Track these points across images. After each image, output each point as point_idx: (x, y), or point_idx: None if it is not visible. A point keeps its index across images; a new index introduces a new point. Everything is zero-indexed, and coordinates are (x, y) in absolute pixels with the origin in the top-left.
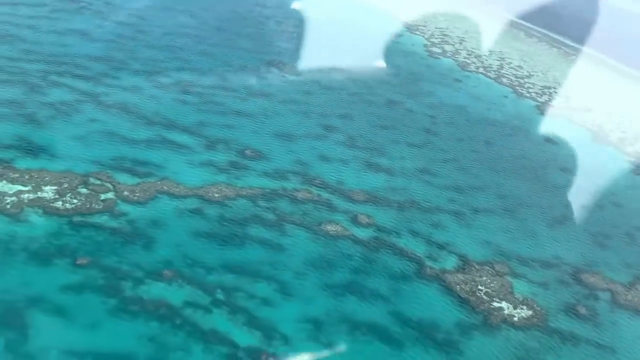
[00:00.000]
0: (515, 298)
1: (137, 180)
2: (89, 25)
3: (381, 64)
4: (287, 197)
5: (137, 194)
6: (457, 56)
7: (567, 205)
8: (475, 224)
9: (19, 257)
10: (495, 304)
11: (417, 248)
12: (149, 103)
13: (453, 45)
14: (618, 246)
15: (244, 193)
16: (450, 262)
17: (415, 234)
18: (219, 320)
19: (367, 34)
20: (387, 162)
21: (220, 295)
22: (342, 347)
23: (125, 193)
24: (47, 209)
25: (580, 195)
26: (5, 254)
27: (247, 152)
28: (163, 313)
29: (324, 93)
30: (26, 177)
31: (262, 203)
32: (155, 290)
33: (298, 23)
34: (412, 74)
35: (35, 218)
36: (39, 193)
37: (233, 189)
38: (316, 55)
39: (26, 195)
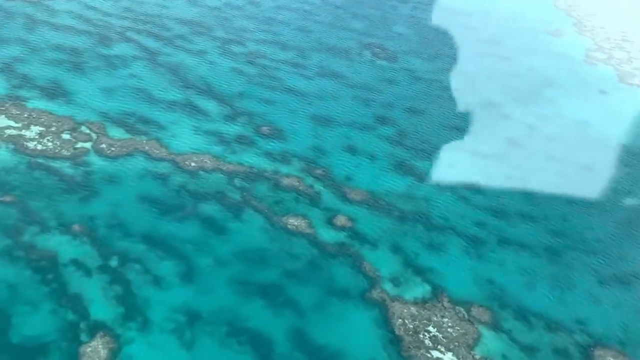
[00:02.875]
0: (472, 354)
1: (126, 135)
2: None
3: (507, 62)
4: (270, 180)
5: (114, 149)
6: (623, 65)
7: None
8: (490, 256)
9: None
10: (435, 354)
11: (385, 266)
12: (202, 68)
13: (628, 52)
14: None
15: (225, 168)
16: (415, 292)
17: (396, 250)
18: (90, 287)
19: (514, 31)
20: (426, 166)
21: (113, 262)
22: (199, 351)
23: (103, 146)
24: (18, 146)
25: None
26: None
27: (265, 128)
28: (42, 265)
29: (410, 83)
30: (25, 115)
31: (237, 181)
32: (54, 241)
33: (436, 10)
34: (543, 77)
35: (1, 152)
36: (23, 131)
37: (216, 162)
38: (430, 45)
39: (10, 131)
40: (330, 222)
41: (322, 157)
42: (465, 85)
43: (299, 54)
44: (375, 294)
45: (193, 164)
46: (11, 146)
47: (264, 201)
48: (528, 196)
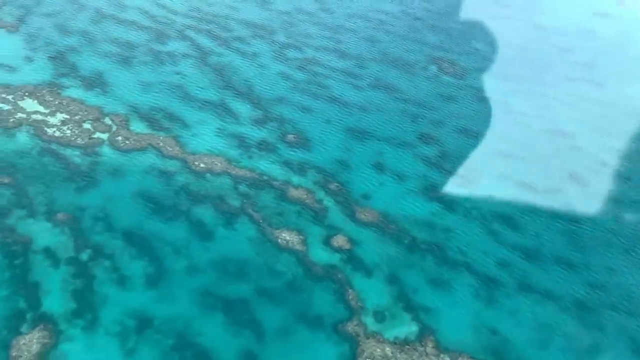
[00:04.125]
0: None
1: (147, 130)
2: None
3: (597, 88)
4: (277, 190)
5: (128, 142)
6: None
7: None
8: (503, 303)
9: None
10: None
11: (373, 298)
12: (249, 70)
13: None
14: None
15: (234, 172)
16: (398, 331)
17: (393, 281)
18: (53, 277)
19: (614, 55)
20: (460, 193)
21: (85, 256)
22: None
23: (119, 138)
24: (38, 131)
25: None
26: None
27: (291, 136)
28: (14, 249)
29: (471, 103)
30: (56, 102)
31: (242, 188)
32: (34, 227)
33: (527, 27)
34: (635, 108)
35: (20, 135)
36: (47, 117)
37: (227, 165)
38: (508, 64)
39: (35, 116)
40: (327, 241)
41: (344, 171)
42: (537, 110)
43: (357, 63)
44: (351, 326)
45: (202, 165)
46: (31, 131)
47: (263, 211)
48: (574, 239)
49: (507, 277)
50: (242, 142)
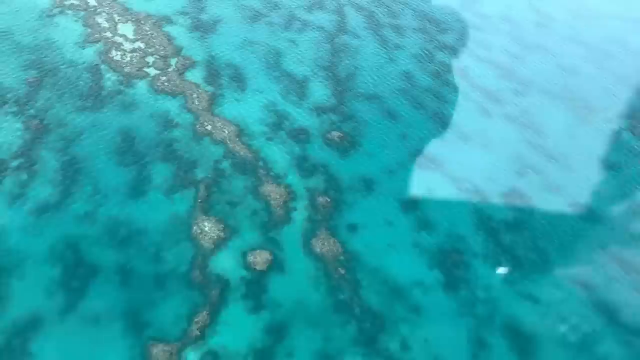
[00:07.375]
0: None
1: (197, 81)
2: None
3: None
4: (257, 180)
5: (167, 84)
6: None
7: None
8: None
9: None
10: None
11: (223, 339)
12: (370, 60)
13: None
14: None
15: (233, 146)
16: None
17: (273, 333)
18: None
19: None
20: (485, 277)
21: (15, 163)
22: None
23: (163, 78)
24: (105, 50)
25: None
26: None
27: (336, 134)
28: None
29: (638, 180)
30: (148, 33)
31: (224, 164)
32: (7, 123)
33: None
34: None
35: (88, 49)
36: (125, 42)
37: (232, 137)
38: None
39: (117, 39)
40: (245, 252)
41: (359, 192)
42: None
43: (514, 88)
44: (161, 350)
45: (208, 128)
46: (101, 48)
47: (216, 195)
48: None
49: None
50: (279, 122)
